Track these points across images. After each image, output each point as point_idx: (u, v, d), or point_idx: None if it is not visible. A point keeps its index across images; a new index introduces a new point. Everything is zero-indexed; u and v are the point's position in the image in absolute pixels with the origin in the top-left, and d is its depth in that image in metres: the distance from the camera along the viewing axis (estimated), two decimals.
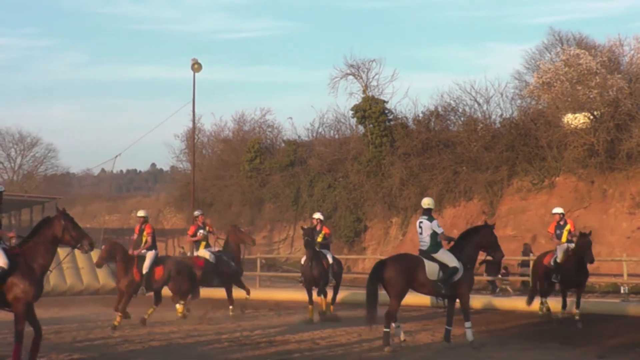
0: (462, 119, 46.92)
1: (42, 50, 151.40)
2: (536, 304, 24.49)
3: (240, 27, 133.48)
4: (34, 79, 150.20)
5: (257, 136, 57.44)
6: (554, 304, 23.98)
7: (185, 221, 57.70)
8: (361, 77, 50.88)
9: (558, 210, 24.41)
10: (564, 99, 42.11)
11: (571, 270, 22.63)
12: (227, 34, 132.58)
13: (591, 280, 31.64)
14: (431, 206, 19.47)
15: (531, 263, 27.12)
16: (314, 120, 56.70)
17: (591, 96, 41.01)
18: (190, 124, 54.14)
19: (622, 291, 30.67)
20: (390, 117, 48.96)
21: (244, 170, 54.59)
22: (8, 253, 14.43)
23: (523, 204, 39.98)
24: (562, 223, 23.43)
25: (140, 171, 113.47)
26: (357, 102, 49.61)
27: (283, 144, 56.00)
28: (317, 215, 26.18)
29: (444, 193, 43.78)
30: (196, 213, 27.15)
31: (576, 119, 41.46)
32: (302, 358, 16.42)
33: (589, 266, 22.93)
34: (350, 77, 51.17)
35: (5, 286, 14.27)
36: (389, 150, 47.36)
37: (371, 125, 48.52)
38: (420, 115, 48.49)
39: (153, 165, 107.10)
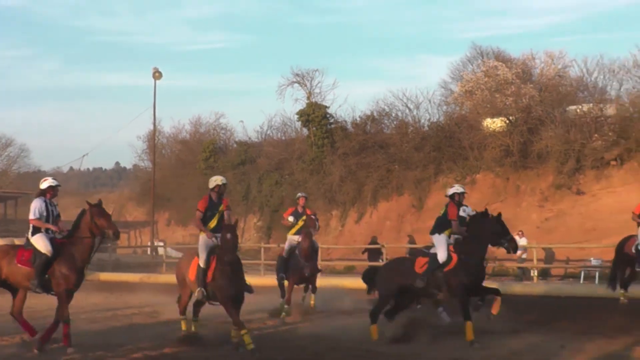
0: (394, 122, 48.00)
1: (22, 59, 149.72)
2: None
3: (198, 39, 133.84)
4: (15, 84, 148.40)
5: (211, 138, 58.17)
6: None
7: (145, 214, 58.21)
8: (305, 85, 51.72)
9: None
10: (483, 105, 43.83)
11: None
12: (187, 45, 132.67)
13: (507, 264, 33.54)
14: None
15: None
16: (263, 124, 57.47)
17: (507, 103, 42.72)
18: (152, 127, 54.94)
19: (532, 274, 31.09)
20: (331, 121, 49.87)
21: (199, 168, 54.92)
22: (53, 242, 14.41)
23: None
24: None
25: (105, 169, 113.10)
26: (302, 108, 50.47)
27: (235, 145, 56.94)
28: (303, 194, 23.21)
29: (378, 189, 44.97)
30: (299, 195, 23.51)
31: (494, 123, 42.82)
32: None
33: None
34: (296, 85, 52.01)
35: (49, 272, 14.30)
36: (329, 150, 48.28)
37: (314, 128, 49.42)
38: (358, 119, 49.55)
39: (117, 163, 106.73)
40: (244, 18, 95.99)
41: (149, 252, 46.64)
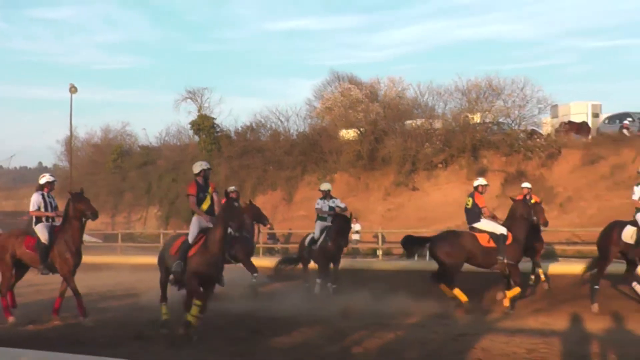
0: (269, 132, 47.26)
1: None
2: None
3: (108, 60, 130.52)
4: None
5: (118, 142, 56.64)
6: None
7: (63, 207, 56.00)
8: (197, 100, 50.52)
9: (527, 185, 20.99)
10: (340, 119, 43.26)
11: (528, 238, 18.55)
12: (99, 65, 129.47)
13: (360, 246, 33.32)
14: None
15: None
16: (162, 131, 56.30)
17: (358, 117, 42.28)
18: (69, 133, 53.85)
19: (377, 253, 31.11)
20: (218, 130, 49.02)
21: (108, 168, 53.80)
22: (52, 231, 14.07)
23: (312, 193, 40.40)
24: (528, 197, 20.02)
25: (30, 168, 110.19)
26: (194, 119, 49.52)
27: (139, 149, 55.51)
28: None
29: (256, 185, 43.93)
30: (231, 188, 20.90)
31: (348, 134, 42.34)
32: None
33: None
34: (189, 100, 50.81)
35: (52, 257, 13.91)
36: (217, 154, 47.18)
37: (204, 136, 48.59)
38: (240, 129, 48.93)
39: (40, 163, 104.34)
40: (148, 44, 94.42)
41: None
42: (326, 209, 19.31)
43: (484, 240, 15.43)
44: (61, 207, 14.84)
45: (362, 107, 43.02)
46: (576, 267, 18.88)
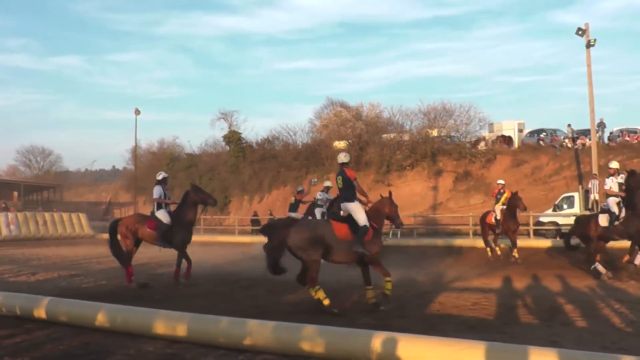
0: (281, 143, 46.90)
1: None
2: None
3: (163, 91, 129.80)
4: None
5: (170, 151, 56.39)
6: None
7: (131, 197, 55.66)
8: (227, 120, 50.67)
9: (501, 181, 19.76)
10: (333, 133, 43.42)
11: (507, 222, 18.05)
12: (156, 95, 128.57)
13: None
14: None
15: None
16: (202, 143, 57.75)
17: (347, 132, 42.37)
18: (134, 144, 54.25)
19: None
20: (243, 141, 48.60)
21: (163, 169, 51.91)
22: (171, 214, 13.73)
23: (313, 189, 40.18)
24: (502, 191, 19.07)
25: (106, 170, 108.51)
26: (225, 133, 49.43)
27: (185, 155, 54.85)
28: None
29: (272, 182, 43.98)
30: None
31: (340, 144, 42.06)
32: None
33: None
34: (222, 119, 50.98)
35: (172, 234, 13.51)
36: (242, 159, 47.11)
37: (233, 146, 48.30)
38: (259, 140, 48.71)
39: (113, 167, 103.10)
40: (191, 79, 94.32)
41: None
42: (324, 199, 19.16)
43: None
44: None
45: (350, 125, 43.08)
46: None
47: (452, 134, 40.09)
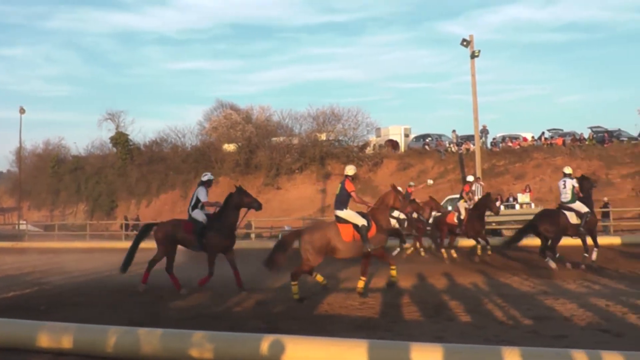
0: (170, 145, 46.17)
1: None
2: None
3: (50, 88, 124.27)
4: None
5: (56, 153, 53.65)
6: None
7: (14, 202, 53.72)
8: (115, 120, 49.02)
9: (470, 178, 19.73)
10: (223, 136, 43.03)
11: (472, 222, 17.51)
12: (42, 92, 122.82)
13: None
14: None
15: None
16: (88, 144, 53.87)
17: (237, 135, 42.15)
18: (18, 144, 51.76)
19: (251, 236, 31.09)
20: (131, 143, 47.38)
21: (48, 172, 51.07)
22: (208, 217, 12.96)
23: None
24: (473, 188, 18.84)
25: None
26: (113, 134, 48.03)
27: (71, 157, 52.67)
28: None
29: (160, 186, 42.97)
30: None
31: (229, 147, 41.95)
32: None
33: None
34: (109, 120, 49.21)
35: (206, 237, 12.72)
36: (130, 162, 45.90)
37: (120, 148, 47.01)
38: (147, 142, 47.73)
39: None
40: (79, 77, 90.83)
41: (16, 227, 42.35)
42: None
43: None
44: None
45: (240, 127, 42.93)
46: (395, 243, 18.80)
47: (341, 138, 40.78)
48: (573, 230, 15.17)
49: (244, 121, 43.67)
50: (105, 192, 45.05)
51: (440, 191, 33.91)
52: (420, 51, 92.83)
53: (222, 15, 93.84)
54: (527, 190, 28.82)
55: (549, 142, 37.34)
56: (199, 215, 13.05)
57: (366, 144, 41.33)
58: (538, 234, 15.49)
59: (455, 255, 17.74)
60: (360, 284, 11.66)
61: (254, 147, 40.71)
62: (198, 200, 13.19)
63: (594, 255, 15.15)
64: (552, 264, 14.81)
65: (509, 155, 36.20)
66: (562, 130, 39.56)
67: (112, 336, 7.32)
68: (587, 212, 15.07)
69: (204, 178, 13.49)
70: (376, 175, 37.39)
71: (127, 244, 29.27)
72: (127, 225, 36.24)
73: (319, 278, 12.28)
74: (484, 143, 37.19)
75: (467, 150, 36.81)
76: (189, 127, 50.81)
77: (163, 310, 10.63)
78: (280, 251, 11.36)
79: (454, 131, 40.64)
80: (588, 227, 15.09)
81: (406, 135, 42.88)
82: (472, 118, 31.61)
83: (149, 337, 7.13)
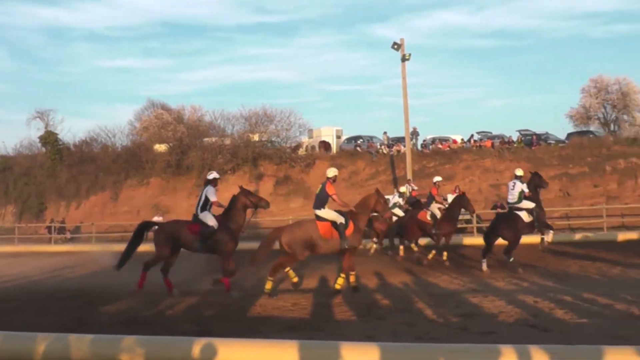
0: (100, 145, 44.68)
1: None
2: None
3: None
4: None
5: None
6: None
7: None
8: (44, 119, 46.73)
9: (438, 179, 18.85)
10: (154, 136, 42.16)
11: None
12: None
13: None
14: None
15: None
16: (17, 144, 49.72)
17: (168, 135, 41.36)
18: None
19: None
20: (60, 143, 45.66)
21: None
22: (216, 218, 12.58)
23: (133, 194, 39.68)
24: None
25: None
26: (42, 134, 45.98)
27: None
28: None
29: (90, 187, 41.37)
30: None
31: (161, 147, 41.21)
32: None
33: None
34: (38, 118, 46.85)
35: (214, 239, 12.36)
36: (59, 162, 44.26)
37: (50, 147, 45.18)
38: (77, 142, 46.04)
39: None
40: (6, 73, 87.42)
41: None
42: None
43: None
44: None
45: (171, 128, 42.14)
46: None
47: (273, 139, 40.73)
48: (530, 229, 15.74)
49: (175, 121, 42.91)
50: (35, 193, 43.55)
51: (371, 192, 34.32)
52: (352, 54, 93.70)
53: (154, 13, 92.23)
54: (457, 191, 29.28)
55: (478, 144, 38.28)
56: (208, 217, 12.69)
57: (299, 145, 41.42)
58: (497, 238, 15.81)
59: (431, 257, 17.28)
60: (352, 278, 12.22)
61: (185, 148, 40.09)
62: (207, 200, 12.88)
63: (550, 237, 16.09)
64: (485, 267, 15.19)
65: (439, 156, 36.96)
66: (491, 133, 40.61)
67: (41, 343, 7.13)
68: (534, 207, 15.61)
69: (210, 177, 13.31)
70: (308, 176, 37.51)
71: (57, 248, 28.80)
72: (53, 228, 35.22)
73: (291, 274, 12.73)
74: (415, 145, 37.87)
75: (398, 151, 37.39)
76: (119, 126, 49.60)
77: (93, 315, 10.43)
78: (264, 247, 12.36)
79: (385, 133, 41.20)
80: (540, 220, 15.67)
81: (338, 137, 43.26)
82: (403, 120, 32.21)
83: (79, 344, 7.00)
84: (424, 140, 40.35)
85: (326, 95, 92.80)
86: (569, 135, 39.52)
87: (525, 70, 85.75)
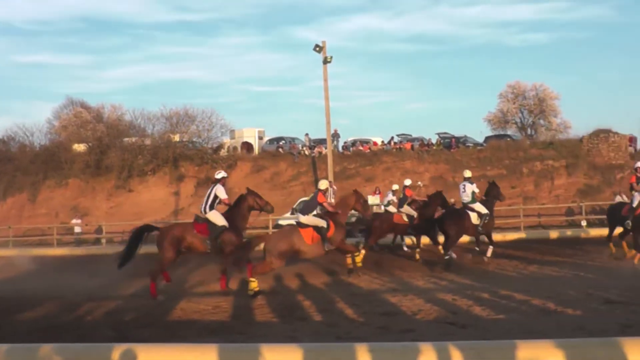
0: (17, 144, 42.64)
1: None
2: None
3: None
4: None
5: None
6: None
7: None
8: None
9: (407, 182, 18.88)
10: (73, 135, 41.17)
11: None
12: None
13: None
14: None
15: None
16: None
17: (87, 135, 40.56)
18: None
19: (102, 242, 30.61)
20: None
21: None
22: (225, 217, 12.47)
23: (52, 195, 38.41)
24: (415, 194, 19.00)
25: None
26: None
27: None
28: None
29: (7, 189, 38.79)
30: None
31: (80, 147, 40.10)
32: None
33: None
34: None
35: (222, 238, 12.32)
36: None
37: None
38: None
39: None
40: None
41: None
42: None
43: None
44: None
45: (90, 127, 41.33)
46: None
47: (195, 140, 40.33)
48: (473, 231, 16.23)
49: (94, 120, 42.06)
50: None
51: (293, 193, 34.48)
52: (274, 55, 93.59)
53: (72, 7, 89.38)
54: (377, 193, 29.81)
55: (398, 146, 38.97)
56: (217, 217, 12.55)
57: (220, 146, 41.16)
58: (443, 232, 16.32)
59: (418, 257, 17.39)
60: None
61: (105, 148, 39.06)
62: (215, 198, 12.71)
63: (489, 252, 16.23)
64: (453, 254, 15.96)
65: (360, 158, 37.44)
66: (410, 135, 41.39)
67: None
68: (487, 214, 16.14)
69: (219, 176, 13.11)
70: (230, 177, 37.20)
71: None
72: None
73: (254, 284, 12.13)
74: (336, 146, 38.22)
75: (320, 153, 37.67)
76: (37, 125, 47.82)
77: (9, 324, 10.08)
78: (244, 252, 12.56)
79: (306, 135, 41.42)
80: (486, 228, 16.22)
81: (260, 138, 43.25)
82: (324, 122, 32.39)
83: None
84: (345, 142, 40.82)
85: (248, 96, 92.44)
86: (487, 138, 40.62)
87: (444, 75, 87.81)
